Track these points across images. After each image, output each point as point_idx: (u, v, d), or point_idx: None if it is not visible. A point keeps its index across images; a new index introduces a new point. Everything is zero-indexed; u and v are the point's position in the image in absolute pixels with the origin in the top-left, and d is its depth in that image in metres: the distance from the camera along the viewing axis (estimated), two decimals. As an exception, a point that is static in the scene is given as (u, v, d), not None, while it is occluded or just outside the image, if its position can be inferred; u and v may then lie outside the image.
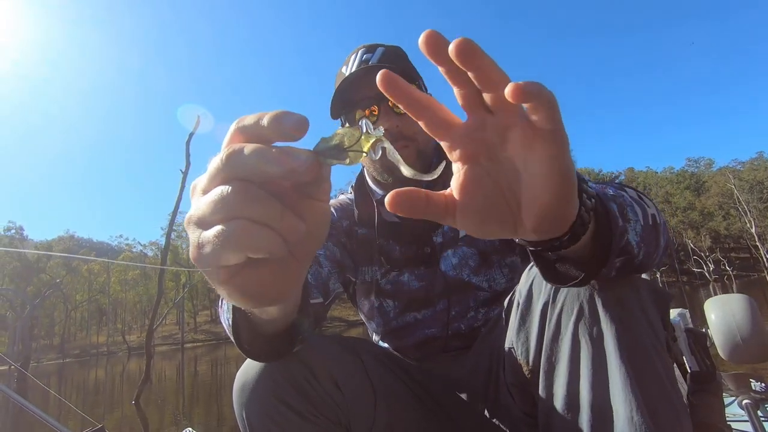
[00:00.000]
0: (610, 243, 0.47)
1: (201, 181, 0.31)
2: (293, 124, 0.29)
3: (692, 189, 71.72)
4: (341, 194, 1.14)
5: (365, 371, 0.80)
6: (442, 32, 0.32)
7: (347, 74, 0.90)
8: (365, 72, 0.89)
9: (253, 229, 0.28)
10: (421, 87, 0.95)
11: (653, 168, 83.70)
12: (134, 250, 69.33)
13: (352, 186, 1.09)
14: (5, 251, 51.24)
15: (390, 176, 0.94)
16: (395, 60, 0.93)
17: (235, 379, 0.70)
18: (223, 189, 0.29)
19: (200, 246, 0.30)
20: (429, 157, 0.96)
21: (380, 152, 0.33)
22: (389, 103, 0.89)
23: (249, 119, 0.30)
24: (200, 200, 0.30)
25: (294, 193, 0.32)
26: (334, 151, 0.31)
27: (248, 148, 0.29)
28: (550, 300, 0.60)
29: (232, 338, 0.60)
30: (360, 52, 0.92)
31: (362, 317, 1.11)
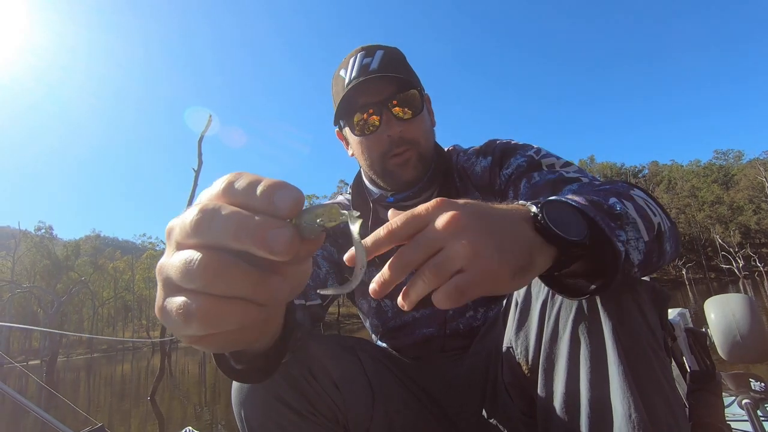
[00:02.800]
0: (607, 268, 0.49)
1: (175, 229, 0.28)
2: (289, 204, 0.26)
3: (720, 182, 69.37)
4: (339, 195, 1.13)
5: (363, 370, 0.80)
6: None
7: (347, 80, 0.87)
8: (365, 81, 0.86)
9: (220, 307, 0.26)
10: (420, 92, 0.92)
11: (678, 161, 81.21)
12: (158, 248, 71.16)
13: (351, 186, 1.09)
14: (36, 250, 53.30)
15: (390, 180, 0.92)
16: (395, 64, 0.90)
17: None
18: (190, 257, 0.26)
19: (162, 310, 0.28)
20: (429, 162, 0.94)
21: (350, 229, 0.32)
22: (391, 110, 0.87)
23: (242, 182, 0.27)
24: (171, 257, 0.28)
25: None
26: (313, 227, 0.28)
27: (224, 214, 0.26)
28: (549, 299, 0.60)
29: (214, 359, 0.58)
30: (359, 55, 0.89)
31: (361, 316, 1.10)
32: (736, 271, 57.44)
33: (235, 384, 0.70)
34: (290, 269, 0.30)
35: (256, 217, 0.26)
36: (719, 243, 61.41)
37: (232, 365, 0.55)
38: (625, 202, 0.54)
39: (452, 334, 0.96)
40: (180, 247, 0.27)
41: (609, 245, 0.47)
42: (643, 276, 0.57)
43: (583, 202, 0.50)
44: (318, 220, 0.28)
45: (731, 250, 59.97)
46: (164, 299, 0.28)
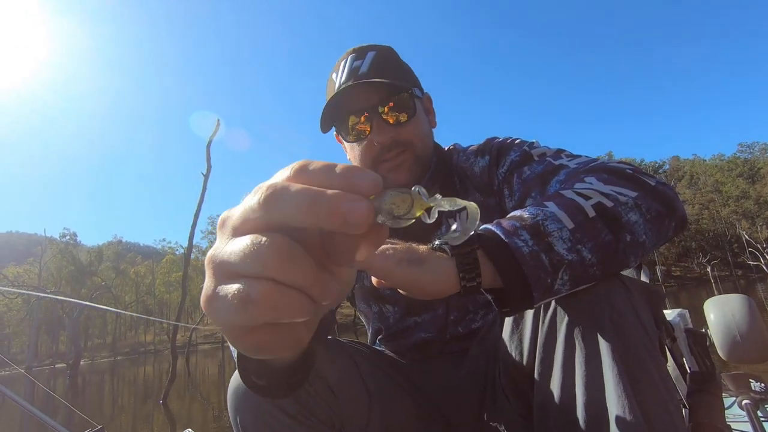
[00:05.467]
0: (521, 269, 0.53)
1: (233, 216, 0.27)
2: (369, 183, 0.25)
3: (746, 176, 67.18)
4: None
5: (359, 374, 0.80)
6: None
7: (337, 85, 0.86)
8: (354, 86, 0.84)
9: (281, 294, 0.25)
10: (413, 94, 0.89)
11: (701, 155, 78.97)
12: (177, 252, 72.55)
13: None
14: (61, 256, 54.96)
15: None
16: (386, 66, 0.88)
17: (229, 383, 0.70)
18: (255, 240, 0.25)
19: (214, 298, 0.26)
20: (426, 164, 0.93)
21: (435, 215, 0.29)
22: (382, 115, 0.85)
23: (316, 164, 0.26)
24: (227, 244, 0.27)
25: (322, 252, 0.28)
26: (385, 212, 0.26)
27: (298, 188, 0.25)
28: (543, 302, 0.59)
29: (239, 372, 0.58)
30: (350, 58, 0.87)
31: (362, 319, 1.10)
32: (764, 267, 55.45)
33: (230, 390, 0.70)
34: (340, 271, 0.29)
35: (331, 191, 0.25)
36: (746, 239, 59.48)
37: (255, 381, 0.55)
38: (547, 203, 0.58)
39: (452, 338, 0.95)
40: (239, 232, 0.27)
41: (501, 243, 0.53)
42: (608, 257, 0.56)
43: (491, 224, 0.57)
44: (397, 207, 0.27)
45: (759, 246, 57.94)
46: (216, 286, 0.26)
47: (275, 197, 0.25)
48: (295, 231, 0.26)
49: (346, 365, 0.79)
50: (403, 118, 0.86)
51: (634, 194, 0.60)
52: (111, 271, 65.17)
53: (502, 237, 0.54)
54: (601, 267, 0.56)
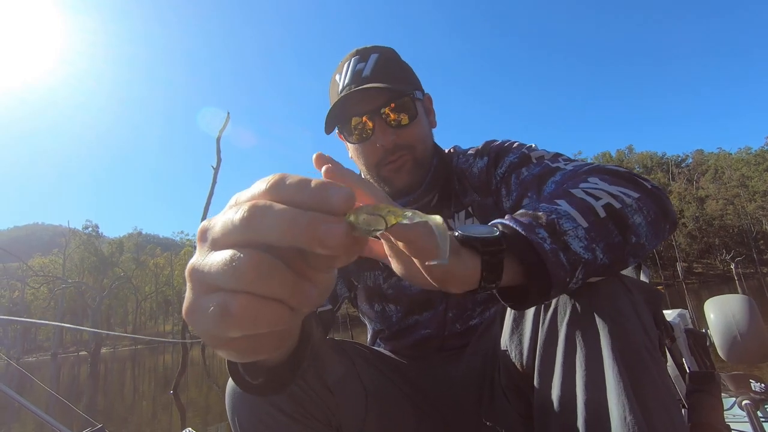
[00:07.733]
0: (545, 266, 0.50)
1: (214, 229, 0.28)
2: (342, 200, 0.26)
3: (773, 171, 64.77)
4: None
5: (356, 374, 0.81)
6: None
7: (340, 87, 0.87)
8: (357, 90, 0.84)
9: (259, 307, 0.25)
10: (414, 96, 0.89)
11: (726, 149, 76.40)
12: (195, 245, 73.82)
13: None
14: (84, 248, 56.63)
15: (386, 186, 0.92)
16: (389, 69, 0.88)
17: (227, 383, 0.71)
18: (234, 256, 0.26)
19: (194, 310, 0.27)
20: (426, 166, 0.93)
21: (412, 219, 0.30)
22: (384, 118, 0.86)
23: (292, 180, 0.27)
24: (206, 257, 0.27)
25: (301, 260, 0.28)
26: (365, 227, 0.27)
27: (277, 209, 0.26)
28: (543, 303, 0.60)
29: (229, 372, 0.58)
30: (353, 60, 0.88)
31: (364, 320, 1.11)
32: (791, 265, 53.68)
33: (228, 390, 0.71)
34: (319, 276, 0.29)
35: (308, 213, 0.26)
36: (772, 235, 57.59)
37: (248, 380, 0.56)
38: (558, 201, 0.57)
39: (450, 335, 0.96)
40: (218, 246, 0.27)
41: (525, 241, 0.51)
42: (617, 257, 0.56)
43: (505, 219, 0.54)
44: (370, 225, 0.28)
45: (786, 243, 56.02)
46: (197, 298, 0.27)
47: (255, 218, 0.26)
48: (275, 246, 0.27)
49: (343, 365, 0.80)
50: (404, 120, 0.86)
51: (636, 195, 0.60)
52: (131, 262, 66.91)
53: (524, 234, 0.51)
54: (609, 268, 0.56)
